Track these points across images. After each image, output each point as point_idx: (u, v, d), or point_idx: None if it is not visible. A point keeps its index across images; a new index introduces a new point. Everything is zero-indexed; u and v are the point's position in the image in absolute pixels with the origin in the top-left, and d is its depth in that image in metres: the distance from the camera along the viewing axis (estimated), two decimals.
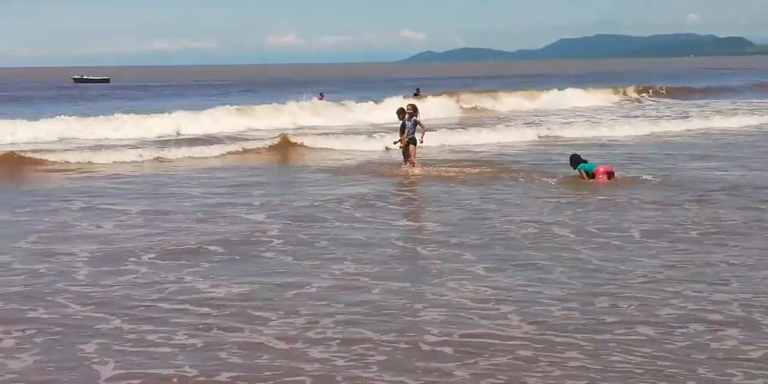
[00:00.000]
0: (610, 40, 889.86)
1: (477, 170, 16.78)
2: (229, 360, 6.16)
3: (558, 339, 6.54)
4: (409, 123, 16.87)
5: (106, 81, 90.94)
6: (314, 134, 24.69)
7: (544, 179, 15.41)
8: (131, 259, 9.41)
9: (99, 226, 11.35)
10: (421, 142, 17.17)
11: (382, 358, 6.17)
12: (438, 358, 6.16)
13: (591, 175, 15.09)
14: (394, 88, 55.99)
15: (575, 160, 15.53)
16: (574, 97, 44.07)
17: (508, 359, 6.12)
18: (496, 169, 16.99)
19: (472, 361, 6.08)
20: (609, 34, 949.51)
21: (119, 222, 11.62)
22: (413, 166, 16.92)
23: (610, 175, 15.14)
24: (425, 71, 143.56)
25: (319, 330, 6.80)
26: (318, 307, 7.47)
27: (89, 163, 19.01)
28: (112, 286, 8.30)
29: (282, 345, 6.47)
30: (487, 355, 6.19)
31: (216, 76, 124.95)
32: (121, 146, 22.09)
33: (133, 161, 19.38)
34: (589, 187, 14.48)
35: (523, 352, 6.25)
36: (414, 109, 17.12)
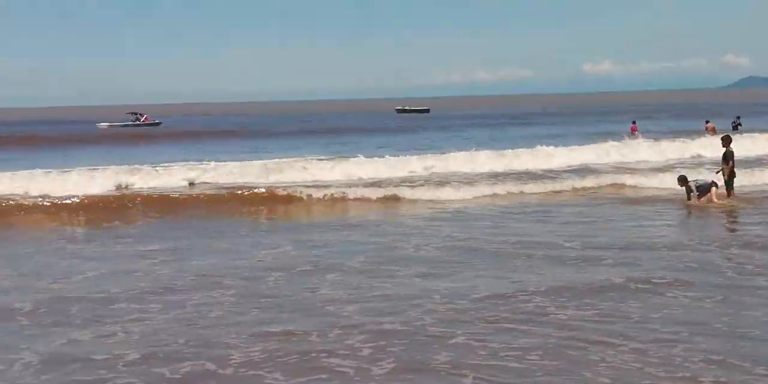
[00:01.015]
0: None
1: None
2: None
3: None
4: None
5: (427, 111, 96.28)
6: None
7: None
8: None
9: None
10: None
11: None
12: None
13: None
14: (710, 116, 52.42)
15: None
16: None
17: None
18: None
19: None
20: None
21: None
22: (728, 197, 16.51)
23: None
24: (748, 97, 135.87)
25: None
26: None
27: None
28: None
29: None
30: None
31: (528, 104, 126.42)
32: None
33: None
34: None
35: None
36: (727, 141, 16.89)
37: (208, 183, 20.74)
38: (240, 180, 21.01)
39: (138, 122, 67.18)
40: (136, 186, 19.92)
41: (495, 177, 21.51)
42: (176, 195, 18.34)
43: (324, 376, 6.44)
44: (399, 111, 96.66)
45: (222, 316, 8.24)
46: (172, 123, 68.66)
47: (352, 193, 18.49)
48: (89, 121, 75.16)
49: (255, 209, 17.10)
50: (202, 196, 18.34)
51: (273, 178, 21.30)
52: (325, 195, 18.27)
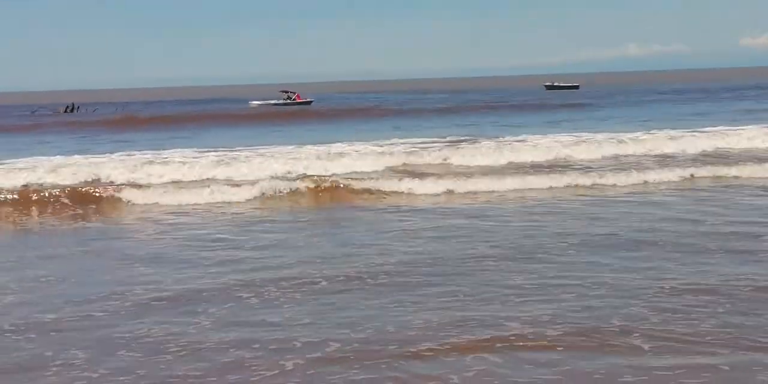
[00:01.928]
0: None
1: None
2: None
3: None
4: None
5: (576, 87, 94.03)
6: None
7: None
8: None
9: None
10: None
11: None
12: None
13: None
14: None
15: None
16: None
17: None
18: None
19: None
20: None
21: None
22: None
23: None
24: None
25: None
26: None
27: None
28: None
29: None
30: None
31: (690, 80, 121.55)
32: None
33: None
34: None
35: None
36: None
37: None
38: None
39: (290, 101, 68.34)
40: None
41: None
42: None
43: None
44: (548, 87, 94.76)
45: None
46: (320, 101, 69.56)
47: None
48: (243, 99, 77.00)
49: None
50: None
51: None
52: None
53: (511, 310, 7.60)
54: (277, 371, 6.32)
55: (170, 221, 13.74)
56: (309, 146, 22.14)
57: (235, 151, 21.42)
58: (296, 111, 53.82)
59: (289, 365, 6.43)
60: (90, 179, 17.72)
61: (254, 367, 6.41)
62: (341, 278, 9.04)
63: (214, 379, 6.21)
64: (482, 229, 11.86)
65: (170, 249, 11.16)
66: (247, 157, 19.82)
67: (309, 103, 67.57)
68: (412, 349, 6.65)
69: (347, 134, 29.82)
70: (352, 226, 12.78)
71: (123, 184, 17.14)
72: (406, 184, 16.56)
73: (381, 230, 12.10)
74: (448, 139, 24.75)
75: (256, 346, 6.87)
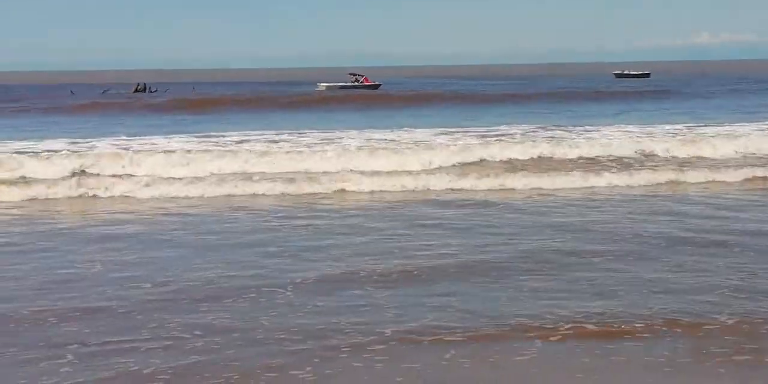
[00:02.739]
0: None
1: None
2: None
3: None
4: None
5: (647, 76, 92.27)
6: None
7: None
8: None
9: None
10: None
11: None
12: None
13: None
14: None
15: None
16: None
17: None
18: None
19: None
20: None
21: None
22: None
23: None
24: None
25: None
26: None
27: None
28: None
29: None
30: None
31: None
32: None
33: None
34: None
35: None
36: None
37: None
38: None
39: (358, 83, 68.15)
40: None
41: None
42: None
43: None
44: (618, 75, 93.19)
45: None
46: (388, 85, 69.20)
47: None
48: (310, 82, 77.10)
49: None
50: None
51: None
52: None
53: None
54: None
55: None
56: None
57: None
58: (360, 94, 53.23)
59: None
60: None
61: None
62: None
63: None
64: None
65: None
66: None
67: (377, 86, 67.29)
68: None
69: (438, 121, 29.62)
70: None
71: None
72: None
73: None
74: (529, 129, 24.36)
75: None
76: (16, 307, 7.76)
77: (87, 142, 21.15)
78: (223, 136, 22.32)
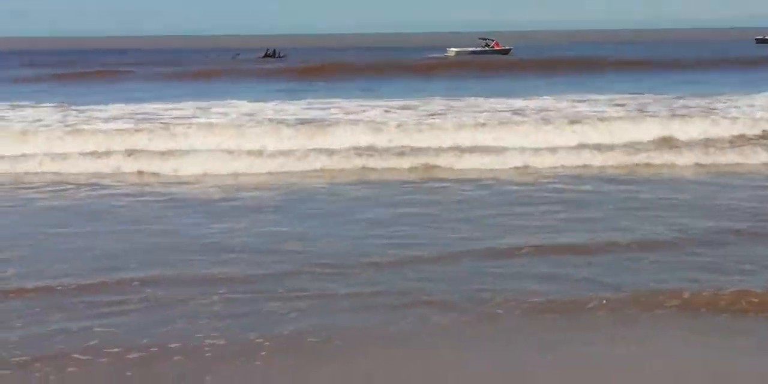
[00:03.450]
0: None
1: None
2: None
3: None
4: None
5: None
6: None
7: None
8: None
9: None
10: None
11: None
12: None
13: None
14: None
15: None
16: None
17: None
18: None
19: None
20: None
21: None
22: None
23: None
24: None
25: None
26: None
27: None
28: None
29: None
30: None
31: None
32: None
33: None
34: None
35: None
36: None
37: None
38: None
39: (488, 48, 66.43)
40: None
41: None
42: None
43: None
44: (758, 41, 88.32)
45: None
46: (518, 51, 67.05)
47: None
48: (441, 47, 75.74)
49: None
50: None
51: None
52: None
53: None
54: None
55: None
56: None
57: None
58: (490, 60, 51.46)
59: None
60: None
61: None
62: None
63: None
64: None
65: None
66: None
67: (507, 51, 65.47)
68: None
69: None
70: None
71: None
72: None
73: None
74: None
75: None
76: None
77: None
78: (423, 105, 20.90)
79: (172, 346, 5.96)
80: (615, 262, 8.01)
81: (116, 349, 5.88)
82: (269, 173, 13.88)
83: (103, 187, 12.65)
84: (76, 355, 5.81)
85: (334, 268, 7.83)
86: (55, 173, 13.82)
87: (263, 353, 5.84)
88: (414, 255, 8.27)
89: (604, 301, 6.75)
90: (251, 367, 5.65)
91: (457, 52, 64.92)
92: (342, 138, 15.71)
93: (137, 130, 16.29)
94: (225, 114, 19.09)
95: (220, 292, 7.13)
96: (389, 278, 7.51)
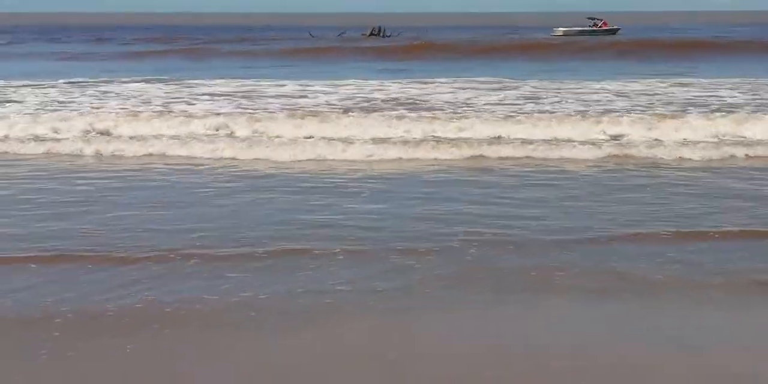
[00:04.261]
0: None
1: None
2: None
3: None
4: None
5: None
6: None
7: None
8: None
9: None
10: None
11: None
12: None
13: None
14: None
15: None
16: None
17: None
18: None
19: None
20: None
21: None
22: None
23: None
24: None
25: None
26: None
27: None
28: None
29: None
30: None
31: None
32: None
33: None
34: None
35: None
36: None
37: None
38: None
39: (596, 28, 65.22)
40: None
41: None
42: None
43: None
44: None
45: None
46: (628, 31, 65.55)
47: None
48: (546, 26, 74.77)
49: None
50: None
51: None
52: None
53: None
54: None
55: None
56: None
57: None
58: (597, 42, 50.18)
59: None
60: None
61: None
62: None
63: None
64: None
65: None
66: None
67: (615, 31, 64.17)
68: None
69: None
70: None
71: None
72: None
73: None
74: None
75: None
76: None
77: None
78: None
79: None
80: None
81: None
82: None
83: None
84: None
85: None
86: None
87: None
88: None
89: None
90: None
91: (565, 32, 64.01)
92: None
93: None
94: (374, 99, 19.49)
95: None
96: None
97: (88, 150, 14.15)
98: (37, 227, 8.84)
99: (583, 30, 64.69)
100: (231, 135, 15.26)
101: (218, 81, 23.14)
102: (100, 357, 5.63)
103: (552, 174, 12.02)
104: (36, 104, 18.63)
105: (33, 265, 7.51)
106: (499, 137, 14.79)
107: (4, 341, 5.90)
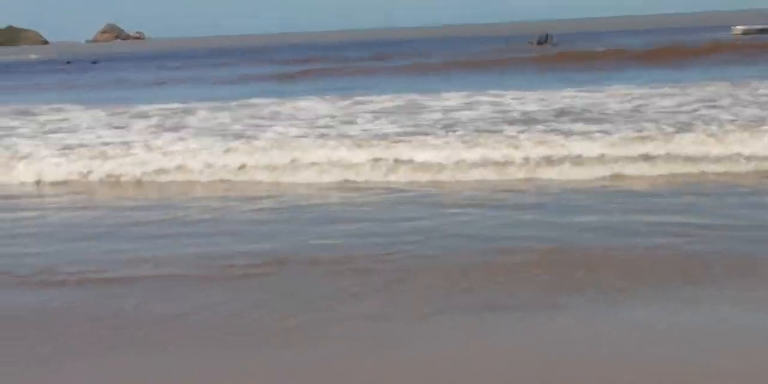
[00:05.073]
0: None
1: None
2: None
3: None
4: None
5: None
6: None
7: None
8: None
9: None
10: None
11: None
12: None
13: None
14: None
15: None
16: None
17: None
18: None
19: None
20: None
21: None
22: None
23: None
24: None
25: None
26: None
27: None
28: None
29: None
30: None
31: None
32: None
33: None
34: None
35: None
36: None
37: None
38: None
39: None
40: None
41: None
42: None
43: None
44: None
45: None
46: None
47: None
48: (721, 26, 70.29)
49: None
50: None
51: None
52: None
53: None
54: None
55: None
56: None
57: None
58: None
59: None
60: None
61: None
62: None
63: None
64: None
65: None
66: None
67: None
68: None
69: None
70: None
71: None
72: None
73: None
74: None
75: None
76: None
77: None
78: None
79: None
80: None
81: None
82: None
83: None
84: None
85: None
86: None
87: None
88: None
89: None
90: None
91: (744, 31, 59.61)
92: None
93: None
94: None
95: None
96: None
97: None
98: None
99: (764, 28, 60.18)
100: None
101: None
102: None
103: None
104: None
105: None
106: None
107: None
